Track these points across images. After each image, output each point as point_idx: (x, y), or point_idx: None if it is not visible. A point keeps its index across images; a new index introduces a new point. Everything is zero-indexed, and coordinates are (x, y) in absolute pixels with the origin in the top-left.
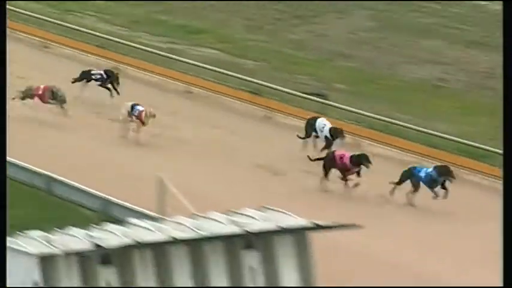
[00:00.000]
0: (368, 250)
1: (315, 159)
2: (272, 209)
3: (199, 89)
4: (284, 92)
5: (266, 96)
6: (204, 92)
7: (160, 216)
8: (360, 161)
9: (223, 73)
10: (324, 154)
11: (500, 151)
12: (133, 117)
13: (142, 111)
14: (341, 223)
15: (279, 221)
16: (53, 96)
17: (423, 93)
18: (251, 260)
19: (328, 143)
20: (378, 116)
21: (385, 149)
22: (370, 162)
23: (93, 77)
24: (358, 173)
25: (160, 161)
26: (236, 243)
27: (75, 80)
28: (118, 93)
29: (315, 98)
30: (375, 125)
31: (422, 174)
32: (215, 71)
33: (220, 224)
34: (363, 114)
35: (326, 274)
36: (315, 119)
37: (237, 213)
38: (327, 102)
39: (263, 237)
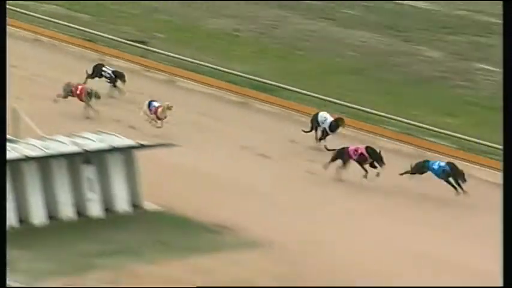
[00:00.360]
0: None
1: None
2: (106, 133)
3: (46, 38)
4: (113, 39)
5: (99, 43)
6: (49, 40)
7: (15, 138)
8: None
9: (64, 24)
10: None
11: (286, 86)
12: (151, 112)
13: (158, 107)
14: (161, 143)
15: (111, 142)
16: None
17: (223, 41)
18: (89, 173)
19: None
20: (188, 58)
21: (194, 85)
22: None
23: (103, 73)
24: (372, 164)
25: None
26: (77, 160)
27: (90, 77)
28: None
29: (137, 45)
30: (185, 66)
31: (435, 167)
32: (57, 23)
33: (64, 145)
34: (176, 57)
35: (149, 184)
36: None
37: (77, 135)
38: (147, 47)
39: (98, 155)
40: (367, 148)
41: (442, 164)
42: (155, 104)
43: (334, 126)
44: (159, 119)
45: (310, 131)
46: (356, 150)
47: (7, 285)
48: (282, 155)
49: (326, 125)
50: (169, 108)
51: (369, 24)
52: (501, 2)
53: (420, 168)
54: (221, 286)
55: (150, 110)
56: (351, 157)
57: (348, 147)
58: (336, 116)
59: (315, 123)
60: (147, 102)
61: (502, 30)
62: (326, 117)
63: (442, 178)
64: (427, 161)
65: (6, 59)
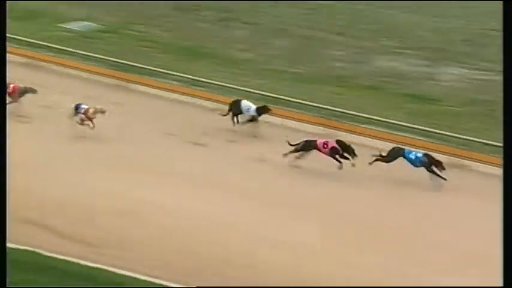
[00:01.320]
0: None
1: (294, 145)
2: None
3: None
4: None
5: None
6: None
7: None
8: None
9: None
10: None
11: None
12: (81, 115)
13: (88, 109)
14: None
15: None
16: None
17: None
18: None
19: (255, 118)
20: None
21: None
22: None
23: None
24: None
25: None
26: None
27: None
28: None
29: None
30: None
31: (412, 156)
32: None
33: None
34: None
35: None
36: (239, 100)
37: None
38: None
39: None
40: (337, 141)
41: (419, 154)
42: (84, 106)
43: (260, 112)
44: (90, 119)
45: (226, 115)
46: (326, 144)
47: (7, 286)
48: None
49: (252, 112)
50: (102, 111)
51: None
52: None
53: (394, 155)
54: (218, 286)
55: (78, 113)
56: (321, 150)
57: (316, 140)
58: (260, 105)
59: (236, 110)
60: (73, 106)
61: (502, 30)
62: (250, 105)
63: (419, 167)
64: (403, 150)
65: (6, 60)
